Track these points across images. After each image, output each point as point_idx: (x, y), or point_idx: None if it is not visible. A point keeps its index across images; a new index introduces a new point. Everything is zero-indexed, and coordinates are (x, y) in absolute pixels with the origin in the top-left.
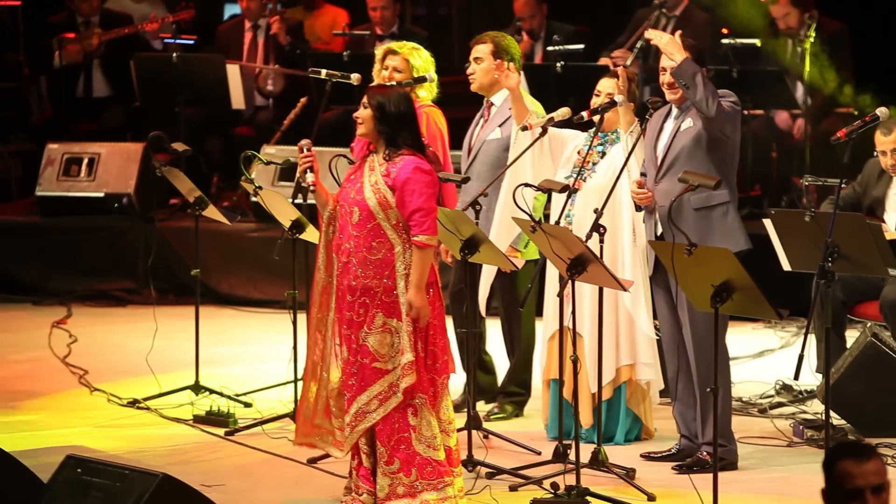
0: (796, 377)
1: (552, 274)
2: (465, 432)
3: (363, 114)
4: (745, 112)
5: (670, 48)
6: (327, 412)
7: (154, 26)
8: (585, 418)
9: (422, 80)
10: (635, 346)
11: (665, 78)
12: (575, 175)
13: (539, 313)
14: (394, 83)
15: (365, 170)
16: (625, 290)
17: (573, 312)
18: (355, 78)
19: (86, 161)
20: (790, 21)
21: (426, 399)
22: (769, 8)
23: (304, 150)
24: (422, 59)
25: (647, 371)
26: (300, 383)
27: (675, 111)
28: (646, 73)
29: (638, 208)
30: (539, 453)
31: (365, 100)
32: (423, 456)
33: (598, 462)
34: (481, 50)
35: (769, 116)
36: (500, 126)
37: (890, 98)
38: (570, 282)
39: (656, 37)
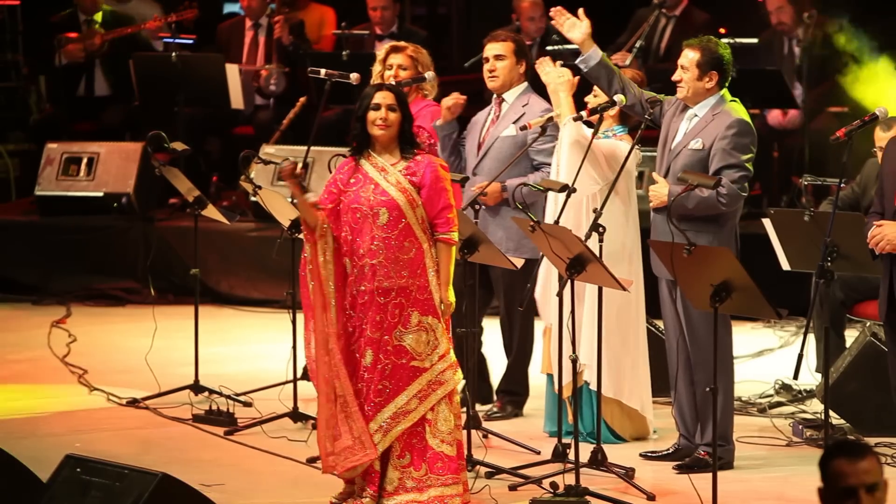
0: (795, 377)
1: (552, 273)
2: (465, 432)
3: (392, 116)
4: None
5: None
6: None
7: (157, 24)
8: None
9: (421, 79)
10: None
11: (675, 75)
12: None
13: (538, 313)
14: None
15: (369, 172)
16: (624, 289)
17: (572, 312)
18: (354, 78)
19: (85, 160)
20: (783, 16)
21: (445, 394)
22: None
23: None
24: (425, 58)
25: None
26: (300, 383)
27: (689, 110)
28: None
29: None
30: (538, 453)
31: (393, 101)
32: (435, 451)
33: (597, 461)
34: (504, 48)
35: (763, 115)
36: (514, 122)
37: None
38: (569, 281)
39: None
